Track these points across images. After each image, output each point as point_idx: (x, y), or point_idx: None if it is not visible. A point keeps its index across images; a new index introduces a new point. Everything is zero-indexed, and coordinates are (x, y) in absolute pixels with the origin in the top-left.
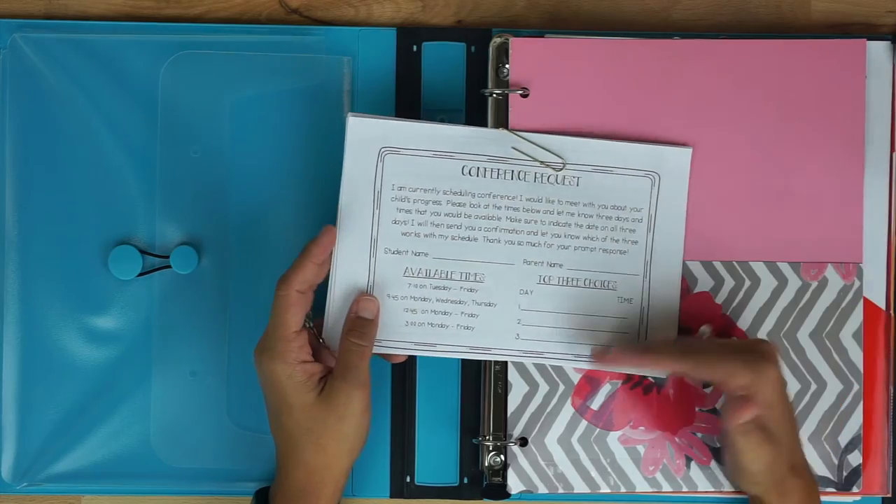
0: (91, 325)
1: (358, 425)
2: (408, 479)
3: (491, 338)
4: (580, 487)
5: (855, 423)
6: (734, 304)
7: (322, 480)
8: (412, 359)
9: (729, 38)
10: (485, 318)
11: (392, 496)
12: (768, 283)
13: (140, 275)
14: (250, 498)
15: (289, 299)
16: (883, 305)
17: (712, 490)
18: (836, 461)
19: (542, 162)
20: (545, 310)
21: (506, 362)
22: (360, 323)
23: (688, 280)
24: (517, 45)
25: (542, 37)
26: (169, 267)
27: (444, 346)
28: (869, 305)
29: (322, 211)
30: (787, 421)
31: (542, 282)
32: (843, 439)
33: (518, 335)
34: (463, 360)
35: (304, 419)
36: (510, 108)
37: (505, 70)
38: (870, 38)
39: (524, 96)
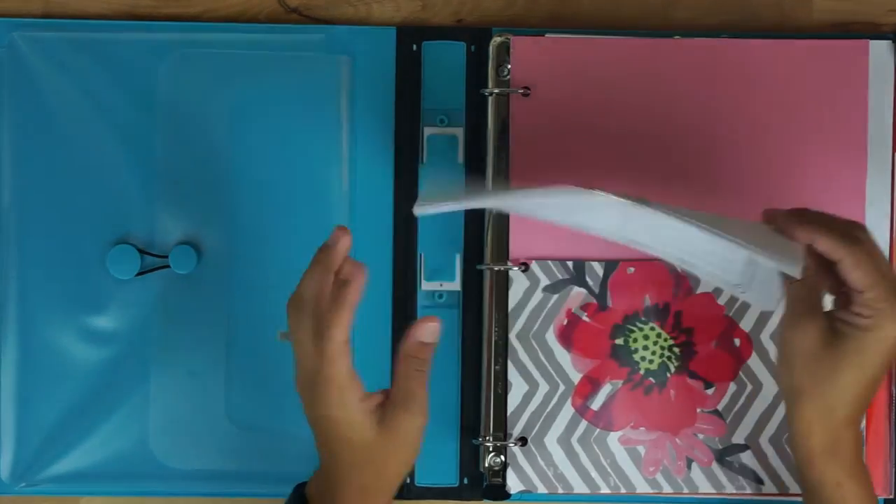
0: (90, 324)
1: (417, 448)
2: (408, 480)
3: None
4: (580, 488)
5: None
6: (737, 304)
7: (377, 498)
8: None
9: (730, 37)
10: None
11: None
12: None
13: (139, 274)
14: (248, 499)
15: (338, 350)
16: None
17: (713, 492)
18: None
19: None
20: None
21: (506, 362)
22: (422, 349)
23: (690, 281)
24: (519, 45)
25: (543, 36)
26: (168, 266)
27: None
28: None
29: (322, 210)
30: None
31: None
32: None
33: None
34: (463, 361)
35: (366, 453)
36: (512, 108)
37: (505, 70)
38: (871, 38)
39: (525, 95)
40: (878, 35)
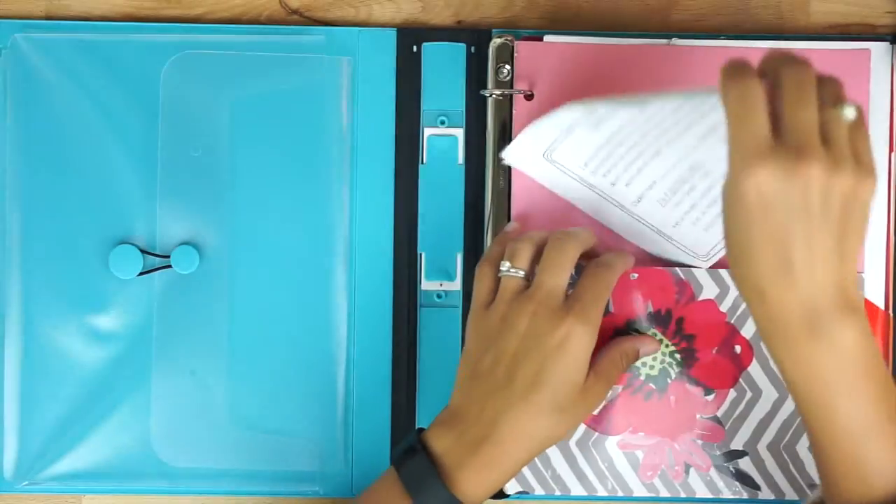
0: (91, 324)
1: None
2: None
3: None
4: (577, 490)
5: None
6: (738, 312)
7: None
8: (412, 357)
9: (728, 38)
10: None
11: None
12: None
13: (140, 274)
14: (250, 497)
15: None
16: (882, 305)
17: (711, 497)
18: None
19: None
20: None
21: None
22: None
23: (693, 287)
24: (522, 48)
25: (542, 38)
26: (169, 266)
27: None
28: (868, 305)
29: (322, 211)
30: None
31: None
32: None
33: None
34: None
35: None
36: (515, 111)
37: (504, 71)
38: (868, 40)
39: (528, 98)
40: (875, 36)
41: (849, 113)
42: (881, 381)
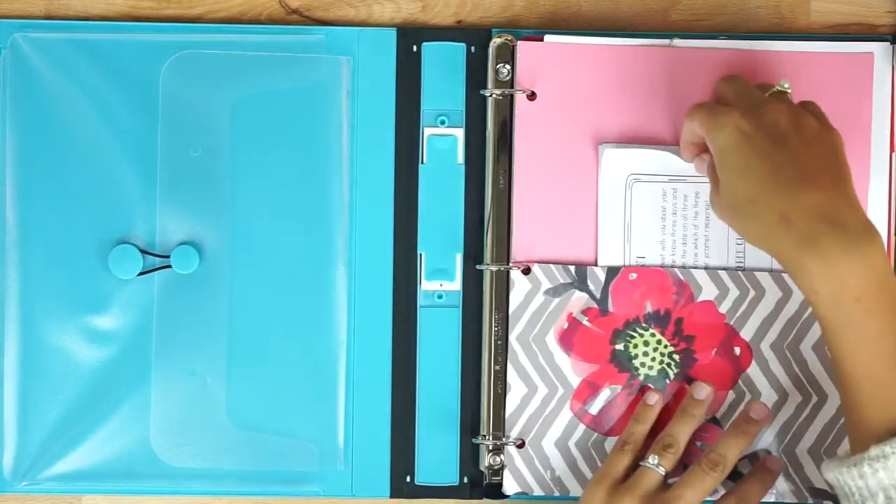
0: (91, 324)
1: None
2: (408, 479)
3: None
4: (576, 491)
5: None
6: (738, 313)
7: None
8: (412, 357)
9: (728, 38)
10: None
11: (392, 496)
12: (773, 293)
13: (140, 274)
14: (249, 498)
15: None
16: None
17: (710, 499)
18: None
19: None
20: None
21: (505, 362)
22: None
23: (692, 288)
24: (523, 48)
25: (542, 38)
26: (169, 266)
27: None
28: None
29: (322, 211)
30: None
31: None
32: (843, 451)
33: None
34: (463, 360)
35: None
36: (517, 111)
37: (504, 71)
38: (868, 40)
39: (531, 98)
40: (876, 37)
41: (784, 82)
42: None
